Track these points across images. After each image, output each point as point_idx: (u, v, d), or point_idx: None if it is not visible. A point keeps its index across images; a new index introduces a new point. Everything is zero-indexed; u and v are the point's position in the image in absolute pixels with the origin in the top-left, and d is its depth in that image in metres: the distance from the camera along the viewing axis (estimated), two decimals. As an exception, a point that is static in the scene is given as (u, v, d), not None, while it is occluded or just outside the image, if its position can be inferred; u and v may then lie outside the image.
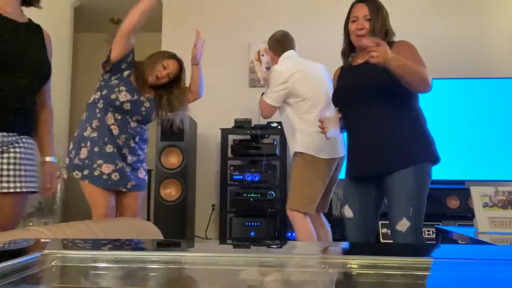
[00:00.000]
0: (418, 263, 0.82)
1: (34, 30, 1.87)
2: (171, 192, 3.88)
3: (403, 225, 1.91)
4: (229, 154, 4.06)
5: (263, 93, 2.71)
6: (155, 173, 3.93)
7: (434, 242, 3.03)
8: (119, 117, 2.30)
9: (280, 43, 2.76)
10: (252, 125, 4.02)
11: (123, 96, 2.28)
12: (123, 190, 2.32)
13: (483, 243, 1.66)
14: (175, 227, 3.80)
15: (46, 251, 0.83)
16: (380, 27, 2.04)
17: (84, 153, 2.25)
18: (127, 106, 2.28)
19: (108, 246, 1.02)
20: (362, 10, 2.07)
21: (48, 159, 1.98)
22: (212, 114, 4.43)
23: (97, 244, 1.02)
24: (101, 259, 0.86)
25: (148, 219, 4.48)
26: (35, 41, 1.80)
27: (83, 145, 2.26)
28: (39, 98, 1.83)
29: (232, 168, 3.99)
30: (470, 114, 3.86)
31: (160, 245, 1.09)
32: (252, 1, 4.65)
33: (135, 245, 1.02)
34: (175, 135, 3.87)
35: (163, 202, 3.84)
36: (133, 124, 2.34)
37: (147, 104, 2.36)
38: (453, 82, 3.95)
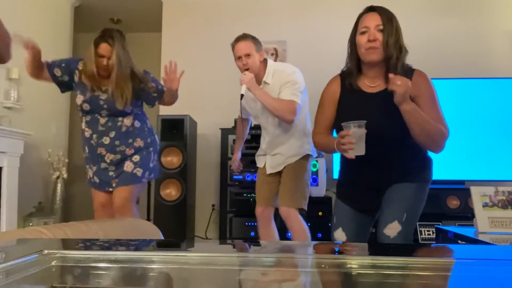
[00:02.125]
0: (418, 263, 0.82)
1: None
2: (171, 192, 3.89)
3: (393, 228, 1.79)
4: (229, 154, 4.06)
5: (242, 95, 2.52)
6: (155, 173, 3.93)
7: (434, 242, 3.03)
8: (88, 118, 2.37)
9: (262, 44, 2.67)
10: (252, 125, 4.02)
11: (79, 99, 2.36)
12: (110, 190, 2.41)
13: (483, 243, 1.66)
14: (175, 227, 3.80)
15: (46, 251, 0.83)
16: (394, 40, 1.77)
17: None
18: (86, 107, 2.34)
19: (108, 246, 1.02)
20: (374, 20, 1.79)
21: None
22: (212, 114, 4.43)
23: (97, 244, 1.02)
24: (101, 259, 0.86)
25: (148, 219, 4.48)
26: None
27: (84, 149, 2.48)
28: None
29: (232, 168, 3.98)
30: (470, 114, 3.86)
31: (160, 245, 1.09)
32: (252, 1, 4.65)
33: (135, 245, 1.02)
34: (175, 135, 3.88)
35: (163, 202, 3.85)
36: (103, 120, 2.36)
37: (103, 96, 2.34)
38: (453, 82, 3.94)
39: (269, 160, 2.71)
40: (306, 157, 2.63)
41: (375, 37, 1.76)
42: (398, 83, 1.63)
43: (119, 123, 2.37)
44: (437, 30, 4.39)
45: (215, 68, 4.53)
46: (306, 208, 2.64)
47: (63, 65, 2.39)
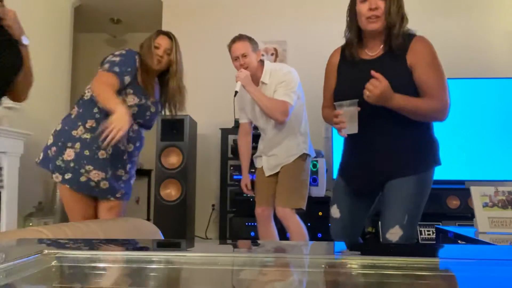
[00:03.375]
0: (418, 263, 0.82)
1: None
2: (171, 192, 3.88)
3: (394, 233, 1.77)
4: (229, 154, 4.06)
5: (236, 92, 2.54)
6: (155, 173, 3.93)
7: (434, 242, 3.03)
8: None
9: (257, 44, 2.68)
10: (252, 125, 4.02)
11: (131, 99, 2.08)
12: (111, 199, 2.09)
13: (483, 243, 1.66)
14: (175, 227, 3.80)
15: (46, 251, 0.83)
16: (397, 8, 1.71)
17: (69, 154, 1.98)
18: (134, 110, 2.08)
19: (108, 246, 1.01)
20: None
21: None
22: (212, 114, 4.43)
23: (97, 244, 1.02)
24: (101, 259, 0.86)
25: (148, 219, 4.48)
26: None
27: (69, 145, 1.99)
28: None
29: (232, 168, 3.98)
30: (470, 114, 3.86)
31: (160, 245, 1.09)
32: (252, 1, 4.65)
33: (135, 245, 1.02)
34: (175, 135, 3.88)
35: (163, 202, 3.84)
36: (135, 127, 2.14)
37: (153, 109, 2.19)
38: (453, 82, 3.93)
39: (266, 161, 2.71)
40: (303, 157, 2.63)
41: (377, 5, 1.71)
42: (367, 94, 1.64)
43: (142, 135, 2.23)
44: (437, 30, 4.38)
45: (215, 68, 4.53)
46: (304, 208, 2.64)
47: (129, 69, 2.06)
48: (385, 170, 1.83)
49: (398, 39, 1.74)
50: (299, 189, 2.62)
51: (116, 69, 2.00)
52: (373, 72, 1.65)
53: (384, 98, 1.66)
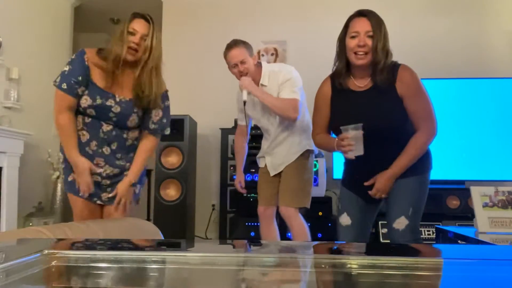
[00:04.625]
0: (418, 263, 0.82)
1: None
2: (171, 192, 3.89)
3: (401, 223, 1.90)
4: (229, 154, 4.06)
5: (245, 102, 2.53)
6: (155, 173, 3.93)
7: (434, 242, 3.03)
8: (89, 120, 1.94)
9: (252, 48, 2.66)
10: (252, 125, 4.02)
11: (84, 101, 1.89)
12: (99, 202, 1.99)
13: (483, 243, 1.66)
14: (175, 227, 3.80)
15: (46, 251, 0.83)
16: (382, 45, 1.85)
17: (63, 157, 2.01)
18: (91, 112, 1.91)
19: (108, 246, 1.01)
20: (364, 25, 1.85)
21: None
22: (212, 114, 4.43)
23: (97, 244, 1.02)
24: (101, 259, 0.86)
25: (148, 219, 4.48)
26: None
27: (61, 148, 2.00)
28: None
29: (232, 168, 3.99)
30: (470, 114, 3.86)
31: (160, 245, 1.09)
32: (252, 1, 4.65)
33: (135, 245, 1.02)
34: (175, 135, 3.88)
35: (163, 202, 3.85)
36: (106, 128, 1.95)
37: (116, 109, 1.92)
38: (453, 82, 3.94)
39: (269, 161, 2.71)
40: (306, 154, 2.62)
41: (365, 43, 1.84)
42: (378, 195, 1.94)
43: (124, 135, 2.00)
44: (437, 30, 4.39)
45: (215, 68, 4.52)
46: (308, 207, 2.64)
47: (79, 77, 1.88)
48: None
49: (383, 74, 1.87)
50: (303, 188, 2.61)
51: (64, 85, 1.87)
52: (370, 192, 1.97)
53: (391, 183, 1.93)
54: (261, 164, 2.80)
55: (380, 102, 1.87)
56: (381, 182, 1.92)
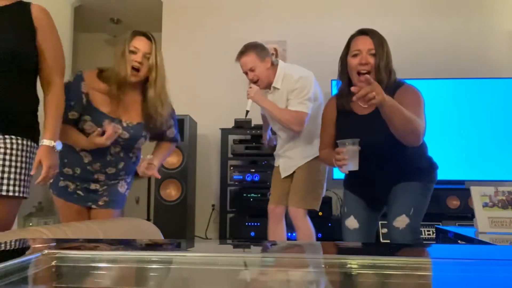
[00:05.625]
0: (418, 263, 0.82)
1: (13, 12, 1.63)
2: (171, 192, 3.88)
3: (402, 221, 1.89)
4: (229, 154, 4.06)
5: (247, 112, 2.59)
6: (155, 173, 3.92)
7: (434, 242, 3.03)
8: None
9: (266, 49, 2.62)
10: (252, 125, 4.02)
11: (89, 127, 1.80)
12: (93, 207, 1.93)
13: (483, 243, 1.66)
14: (175, 227, 3.80)
15: (46, 251, 0.83)
16: (385, 63, 1.82)
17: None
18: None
19: (108, 246, 1.02)
20: (366, 43, 1.83)
21: (44, 142, 1.61)
22: (212, 114, 4.43)
23: (97, 244, 1.02)
24: (101, 259, 0.86)
25: (148, 219, 4.48)
26: (4, 22, 1.58)
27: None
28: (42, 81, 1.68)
29: (232, 168, 3.98)
30: (470, 114, 3.86)
31: (160, 245, 1.09)
32: (252, 1, 4.65)
33: (135, 245, 1.02)
34: (175, 135, 3.87)
35: (163, 202, 3.84)
36: (114, 150, 1.88)
37: (124, 135, 1.85)
38: (453, 82, 3.94)
39: (282, 162, 2.73)
40: (317, 158, 2.61)
41: (367, 61, 1.81)
42: (374, 96, 1.62)
43: (131, 155, 1.94)
44: (437, 30, 4.39)
45: (215, 68, 4.53)
46: (318, 209, 2.66)
47: (72, 103, 1.80)
48: (393, 178, 1.97)
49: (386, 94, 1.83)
50: (313, 190, 2.61)
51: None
52: (354, 88, 1.68)
53: (382, 93, 1.66)
54: (276, 163, 2.81)
55: (383, 128, 1.78)
56: (375, 88, 1.66)
